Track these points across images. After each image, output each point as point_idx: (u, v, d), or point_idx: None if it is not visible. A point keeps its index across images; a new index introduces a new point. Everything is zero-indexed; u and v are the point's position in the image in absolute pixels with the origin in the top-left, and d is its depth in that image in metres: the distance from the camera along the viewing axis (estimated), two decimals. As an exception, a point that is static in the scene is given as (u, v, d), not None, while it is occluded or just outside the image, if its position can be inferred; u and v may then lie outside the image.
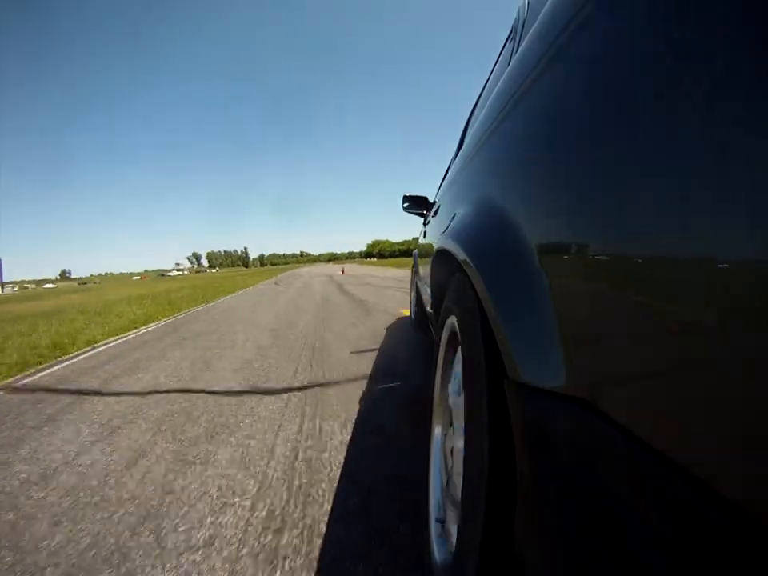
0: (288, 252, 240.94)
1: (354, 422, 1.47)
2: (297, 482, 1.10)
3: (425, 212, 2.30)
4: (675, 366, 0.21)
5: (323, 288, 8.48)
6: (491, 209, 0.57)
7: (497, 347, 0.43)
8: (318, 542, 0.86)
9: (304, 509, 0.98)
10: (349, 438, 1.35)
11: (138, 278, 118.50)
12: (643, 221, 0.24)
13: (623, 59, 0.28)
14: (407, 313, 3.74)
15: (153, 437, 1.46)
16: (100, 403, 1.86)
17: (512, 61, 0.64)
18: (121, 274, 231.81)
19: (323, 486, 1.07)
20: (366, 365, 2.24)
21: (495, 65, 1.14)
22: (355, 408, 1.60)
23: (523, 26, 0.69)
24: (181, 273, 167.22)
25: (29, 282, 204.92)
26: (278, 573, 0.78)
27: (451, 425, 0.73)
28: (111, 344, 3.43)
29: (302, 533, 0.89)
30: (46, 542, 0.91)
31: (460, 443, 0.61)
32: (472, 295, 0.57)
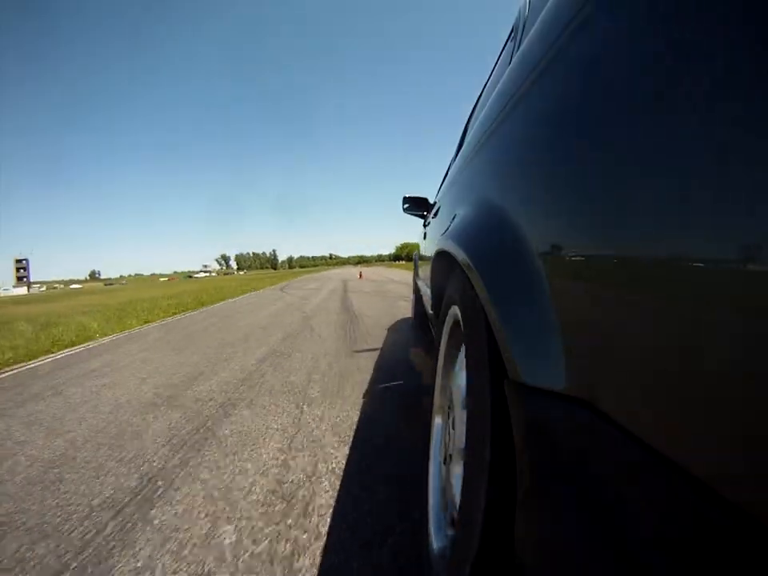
0: (317, 254, 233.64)
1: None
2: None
3: (425, 213, 2.31)
4: (675, 366, 0.21)
5: (327, 297, 7.10)
6: (491, 209, 0.57)
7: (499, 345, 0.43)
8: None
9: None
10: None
11: (166, 279, 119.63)
12: (643, 221, 0.24)
13: (623, 59, 0.28)
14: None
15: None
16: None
17: (512, 61, 0.64)
18: (152, 275, 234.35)
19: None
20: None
21: (496, 65, 1.14)
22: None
23: (524, 26, 0.69)
24: (208, 274, 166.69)
25: (59, 281, 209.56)
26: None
27: (450, 418, 0.73)
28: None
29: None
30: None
31: (459, 442, 0.61)
32: (473, 293, 0.57)
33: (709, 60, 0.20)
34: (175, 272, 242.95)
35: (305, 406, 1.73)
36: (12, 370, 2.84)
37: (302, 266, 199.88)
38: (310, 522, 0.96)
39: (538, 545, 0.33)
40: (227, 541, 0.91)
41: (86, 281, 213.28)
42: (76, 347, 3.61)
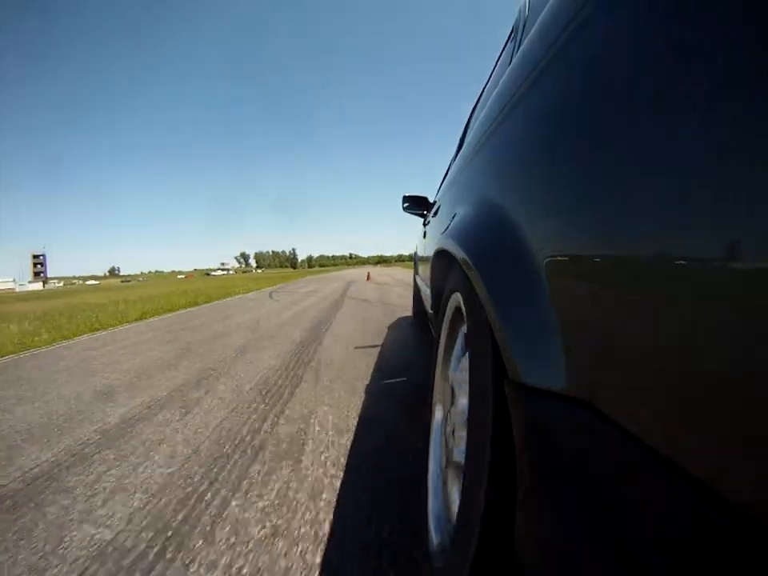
0: (337, 254, 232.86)
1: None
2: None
3: (425, 212, 2.31)
4: (675, 366, 0.21)
5: (315, 304, 5.75)
6: (491, 209, 0.57)
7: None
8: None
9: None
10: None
11: (183, 276, 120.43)
12: (643, 221, 0.24)
13: (623, 59, 0.28)
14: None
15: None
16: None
17: (513, 61, 0.64)
18: (172, 271, 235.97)
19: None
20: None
21: (496, 65, 1.14)
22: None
23: (524, 26, 0.69)
24: (225, 272, 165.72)
25: (79, 277, 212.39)
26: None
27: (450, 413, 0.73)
28: None
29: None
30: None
31: (460, 435, 0.61)
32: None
33: (709, 60, 0.20)
34: (196, 269, 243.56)
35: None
36: None
37: (321, 265, 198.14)
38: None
39: (537, 545, 0.33)
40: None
41: (105, 277, 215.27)
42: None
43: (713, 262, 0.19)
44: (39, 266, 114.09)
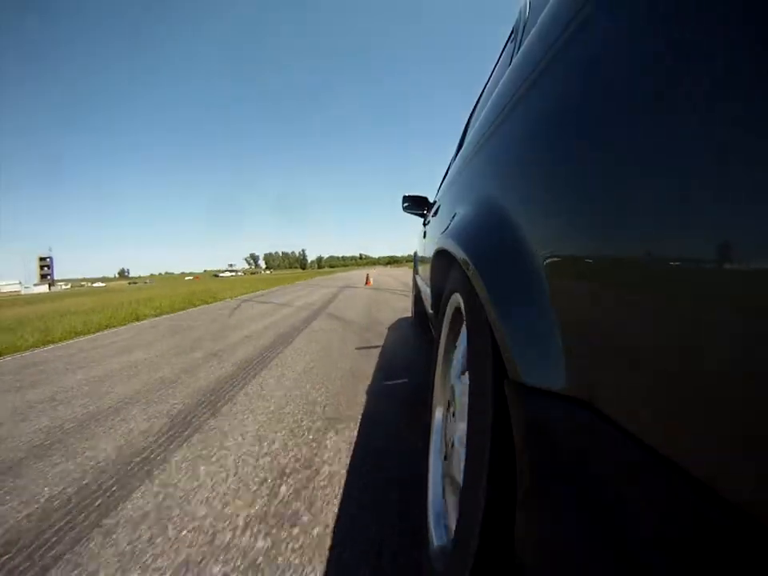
0: (347, 254, 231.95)
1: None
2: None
3: (425, 212, 2.31)
4: (675, 366, 0.21)
5: (279, 321, 4.30)
6: (491, 209, 0.57)
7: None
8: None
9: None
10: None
11: (191, 278, 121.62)
12: (643, 221, 0.24)
13: (623, 59, 0.28)
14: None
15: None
16: None
17: (513, 61, 0.64)
18: (182, 273, 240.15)
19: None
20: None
21: (496, 65, 1.14)
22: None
23: (524, 27, 0.69)
24: (233, 274, 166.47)
25: (90, 279, 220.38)
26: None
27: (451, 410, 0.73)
28: None
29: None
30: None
31: (460, 433, 0.61)
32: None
33: (709, 60, 0.20)
34: (206, 270, 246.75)
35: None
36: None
37: (331, 266, 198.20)
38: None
39: (537, 545, 0.33)
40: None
41: (114, 279, 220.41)
42: None
43: (713, 262, 0.19)
44: (46, 268, 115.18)
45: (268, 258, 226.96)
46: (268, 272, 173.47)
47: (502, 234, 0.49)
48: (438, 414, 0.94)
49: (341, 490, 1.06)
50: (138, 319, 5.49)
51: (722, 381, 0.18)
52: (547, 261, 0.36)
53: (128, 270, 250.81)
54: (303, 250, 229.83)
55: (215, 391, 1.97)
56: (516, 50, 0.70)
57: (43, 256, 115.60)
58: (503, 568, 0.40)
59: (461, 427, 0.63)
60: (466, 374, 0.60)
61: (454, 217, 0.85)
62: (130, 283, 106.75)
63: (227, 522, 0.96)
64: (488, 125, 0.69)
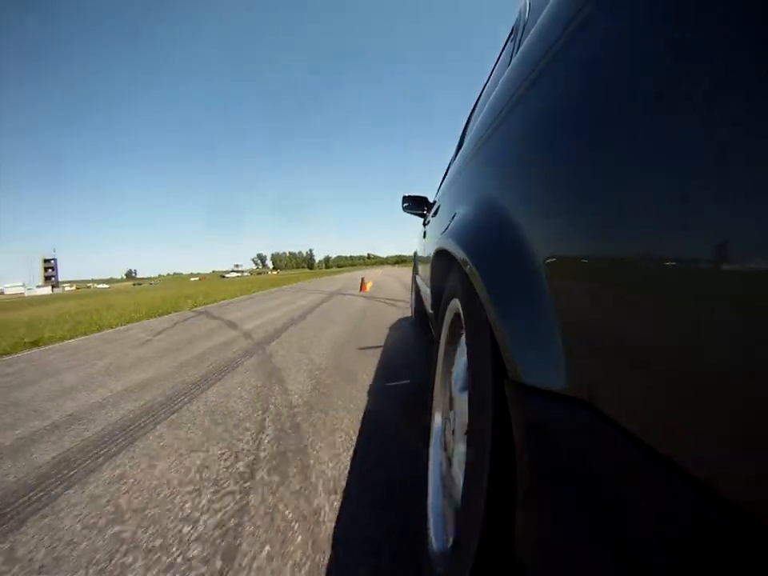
0: (355, 254, 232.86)
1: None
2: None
3: (425, 212, 2.31)
4: (675, 366, 0.21)
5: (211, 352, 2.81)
6: (491, 209, 0.57)
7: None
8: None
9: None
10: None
11: (197, 278, 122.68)
12: (643, 221, 0.24)
13: (623, 59, 0.28)
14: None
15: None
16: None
17: (512, 61, 0.64)
18: (190, 273, 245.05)
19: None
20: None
21: (495, 65, 1.14)
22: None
23: (524, 27, 0.69)
24: (239, 274, 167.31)
25: (97, 280, 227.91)
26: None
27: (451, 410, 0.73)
28: None
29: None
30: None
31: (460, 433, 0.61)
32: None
33: (709, 60, 0.20)
34: (214, 270, 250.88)
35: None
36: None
37: (339, 266, 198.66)
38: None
39: (538, 545, 0.33)
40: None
41: (121, 280, 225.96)
42: None
43: (713, 262, 0.19)
44: (50, 269, 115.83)
45: (275, 258, 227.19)
46: (275, 272, 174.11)
47: (501, 234, 0.49)
48: (438, 415, 0.94)
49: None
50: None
51: (721, 381, 0.18)
52: (547, 261, 0.36)
53: (135, 270, 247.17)
54: (311, 250, 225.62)
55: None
56: (516, 50, 0.70)
57: (47, 257, 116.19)
58: (503, 568, 0.40)
59: (461, 428, 0.63)
60: (466, 374, 0.60)
61: (453, 217, 0.85)
62: (134, 284, 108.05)
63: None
64: (488, 124, 0.69)
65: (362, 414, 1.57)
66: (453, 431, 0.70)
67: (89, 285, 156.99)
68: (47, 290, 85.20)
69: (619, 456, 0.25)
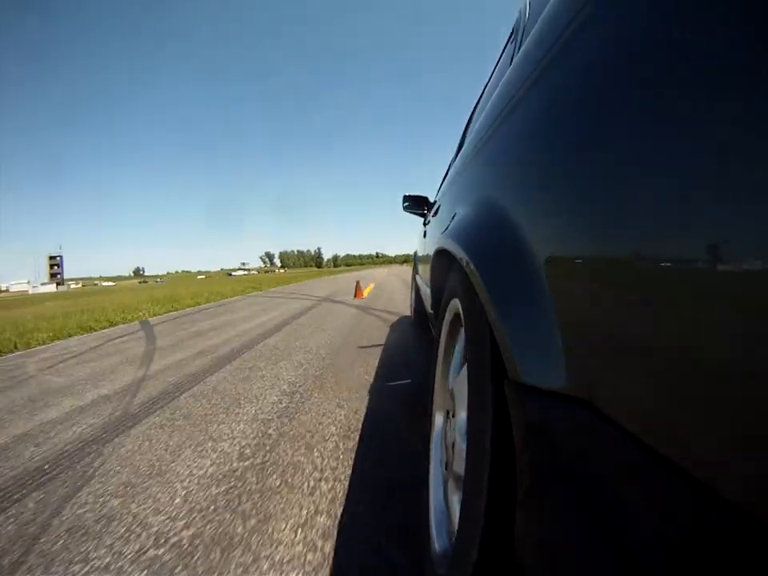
0: (363, 253, 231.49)
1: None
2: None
3: (425, 212, 2.31)
4: (675, 366, 0.21)
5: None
6: (491, 209, 0.57)
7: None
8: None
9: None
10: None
11: (203, 277, 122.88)
12: (643, 221, 0.24)
13: (623, 60, 0.28)
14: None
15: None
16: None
17: (513, 61, 0.64)
18: (198, 271, 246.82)
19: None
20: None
21: (496, 65, 1.14)
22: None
23: (524, 27, 0.69)
24: (246, 272, 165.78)
25: (105, 278, 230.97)
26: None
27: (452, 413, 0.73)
28: None
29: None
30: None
31: (460, 435, 0.61)
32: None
33: (709, 60, 0.20)
34: (222, 269, 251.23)
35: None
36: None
37: (347, 265, 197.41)
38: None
39: (538, 545, 0.33)
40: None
41: (129, 277, 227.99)
42: None
43: (713, 262, 0.19)
44: (56, 267, 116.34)
45: (283, 256, 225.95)
46: (282, 271, 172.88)
47: (502, 234, 0.49)
48: (438, 416, 0.94)
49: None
50: None
51: (721, 381, 0.18)
52: (547, 261, 0.36)
53: (143, 268, 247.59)
54: (318, 249, 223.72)
55: None
56: (516, 51, 0.70)
57: (53, 255, 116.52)
58: (504, 568, 0.40)
59: (461, 428, 0.63)
60: (466, 374, 0.60)
61: (454, 217, 0.85)
62: (140, 282, 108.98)
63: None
64: (488, 125, 0.69)
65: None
66: (453, 431, 0.70)
67: (96, 282, 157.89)
68: (51, 288, 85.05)
69: (619, 456, 0.25)
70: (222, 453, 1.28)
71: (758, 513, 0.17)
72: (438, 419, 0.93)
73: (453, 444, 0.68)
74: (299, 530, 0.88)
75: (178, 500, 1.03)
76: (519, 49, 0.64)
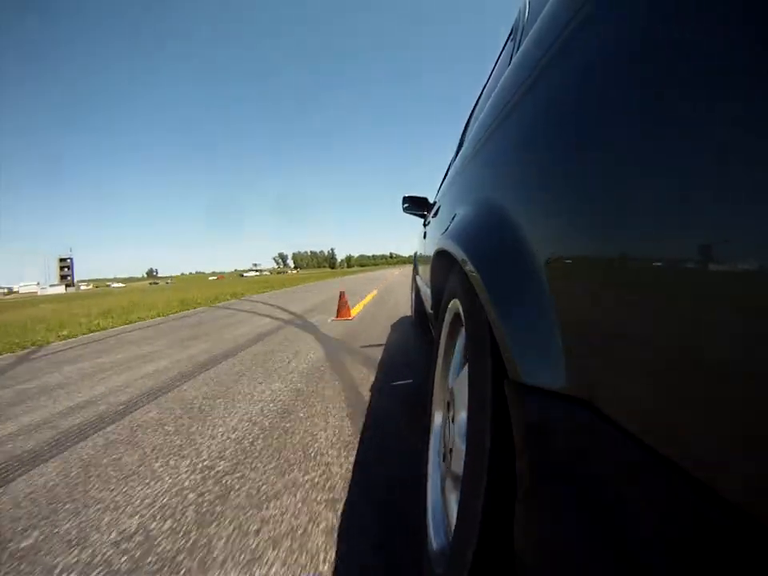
0: (378, 253, 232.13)
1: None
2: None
3: (425, 213, 2.31)
4: (675, 366, 0.21)
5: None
6: (491, 209, 0.57)
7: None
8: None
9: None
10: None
11: (215, 278, 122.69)
12: (643, 221, 0.24)
13: (623, 59, 0.28)
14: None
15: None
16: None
17: (512, 61, 0.64)
18: (212, 272, 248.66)
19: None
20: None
21: (495, 65, 1.14)
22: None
23: (524, 27, 0.69)
24: (258, 273, 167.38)
25: (118, 279, 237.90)
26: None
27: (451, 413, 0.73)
28: None
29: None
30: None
31: (459, 436, 0.61)
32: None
33: (709, 60, 0.20)
34: (236, 269, 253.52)
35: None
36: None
37: (361, 265, 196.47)
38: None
39: (537, 545, 0.33)
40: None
41: (142, 278, 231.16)
42: None
43: (713, 262, 0.19)
44: (66, 269, 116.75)
45: (296, 257, 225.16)
46: (295, 271, 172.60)
47: (501, 235, 0.49)
48: (438, 416, 0.94)
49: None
50: None
51: (721, 381, 0.18)
52: (547, 261, 0.36)
53: (156, 269, 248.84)
54: (332, 249, 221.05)
55: None
56: (516, 50, 0.70)
57: (63, 257, 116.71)
58: (503, 568, 0.40)
59: (460, 428, 0.63)
60: (466, 374, 0.60)
61: (453, 217, 0.85)
62: (150, 283, 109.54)
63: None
64: (488, 125, 0.69)
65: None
66: (453, 431, 0.70)
67: (107, 284, 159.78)
68: (60, 289, 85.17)
69: (619, 456, 0.25)
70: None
71: (758, 513, 0.17)
72: (438, 419, 0.93)
73: (452, 444, 0.68)
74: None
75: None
76: (518, 48, 0.64)
